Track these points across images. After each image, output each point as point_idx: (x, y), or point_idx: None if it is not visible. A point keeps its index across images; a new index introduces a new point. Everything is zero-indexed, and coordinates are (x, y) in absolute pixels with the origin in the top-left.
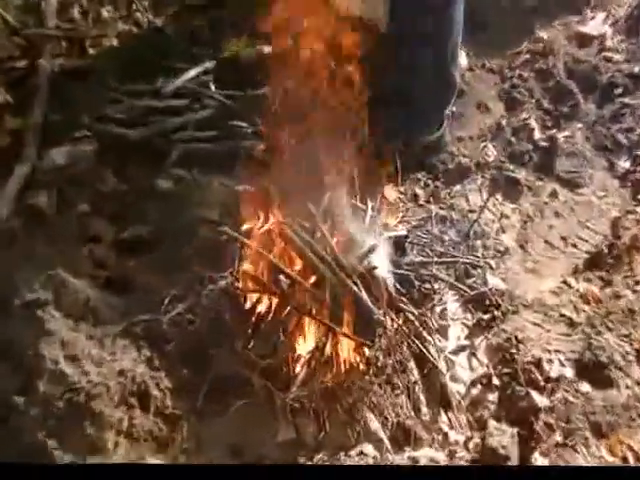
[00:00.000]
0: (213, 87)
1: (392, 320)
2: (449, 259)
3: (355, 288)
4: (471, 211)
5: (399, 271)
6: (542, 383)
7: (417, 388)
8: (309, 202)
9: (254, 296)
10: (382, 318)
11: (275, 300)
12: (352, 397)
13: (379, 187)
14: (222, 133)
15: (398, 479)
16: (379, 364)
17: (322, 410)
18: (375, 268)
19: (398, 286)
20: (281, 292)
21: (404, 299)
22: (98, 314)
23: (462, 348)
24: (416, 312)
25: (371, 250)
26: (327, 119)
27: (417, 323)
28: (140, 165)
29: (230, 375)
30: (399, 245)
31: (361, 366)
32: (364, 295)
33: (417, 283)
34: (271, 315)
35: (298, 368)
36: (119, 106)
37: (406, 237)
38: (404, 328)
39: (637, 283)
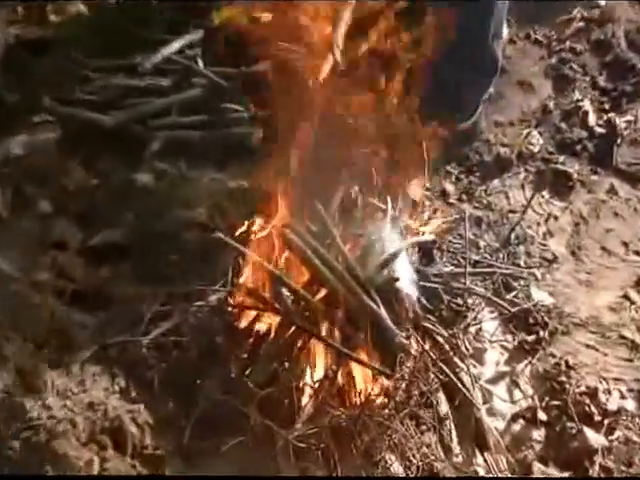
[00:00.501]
0: (201, 63)
1: (417, 343)
2: (485, 269)
3: (372, 304)
4: (512, 211)
5: (425, 283)
6: (598, 418)
7: (447, 424)
8: (318, 201)
9: (251, 313)
10: (405, 340)
11: (276, 318)
12: (369, 435)
13: (402, 183)
14: (212, 118)
15: None
16: (401, 396)
17: (332, 451)
18: (397, 280)
19: (424, 301)
20: (284, 309)
21: (431, 317)
22: (63, 335)
23: (501, 376)
24: (446, 333)
25: (392, 258)
26: (341, 103)
27: (447, 346)
28: (114, 156)
29: (222, 408)
30: (426, 252)
31: (379, 398)
32: (383, 313)
33: (447, 298)
34: (272, 336)
35: (304, 400)
36: (88, 85)
37: (434, 242)
38: (431, 352)
39: None
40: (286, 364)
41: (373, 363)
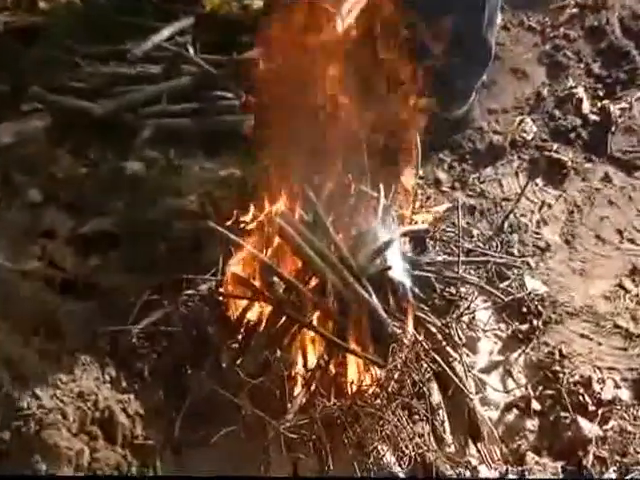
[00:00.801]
0: (191, 50)
1: (410, 332)
2: (479, 258)
3: (365, 293)
4: (506, 200)
5: (418, 272)
6: (592, 408)
7: (440, 414)
8: (309, 189)
9: (243, 303)
10: (397, 330)
11: (268, 308)
12: (361, 426)
13: (394, 171)
14: (203, 106)
15: None
16: (394, 386)
17: (324, 442)
18: (389, 269)
19: (417, 291)
20: (275, 298)
21: (424, 307)
22: (53, 325)
23: (495, 365)
24: (439, 322)
25: (384, 247)
26: (332, 89)
27: (440, 336)
28: (104, 145)
29: (213, 398)
30: (418, 241)
31: (372, 388)
32: (376, 302)
33: (440, 287)
34: (263, 326)
35: (296, 390)
36: (78, 73)
37: (427, 231)
38: (424, 342)
39: None
40: (278, 354)
41: (365, 353)
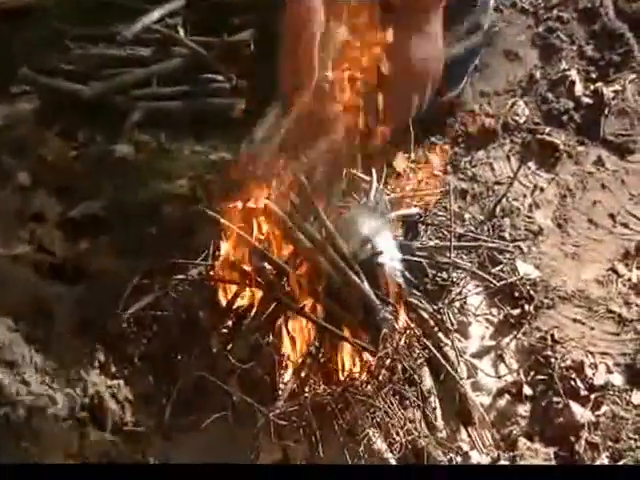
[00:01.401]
0: (182, 32)
1: (401, 318)
2: (470, 242)
3: (356, 279)
4: (497, 183)
5: (410, 257)
6: (585, 393)
7: (431, 399)
8: (299, 172)
9: (233, 288)
10: (389, 316)
11: (258, 293)
12: (351, 412)
13: (385, 154)
14: (194, 88)
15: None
16: (385, 372)
17: (315, 428)
18: (380, 254)
19: (408, 276)
20: (266, 283)
21: (416, 292)
22: (41, 309)
23: (486, 350)
24: (430, 308)
25: (376, 232)
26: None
27: (431, 321)
28: (93, 127)
29: (203, 384)
30: (410, 225)
31: (363, 375)
32: (367, 288)
33: (431, 272)
34: (253, 312)
35: (286, 377)
36: (67, 55)
37: (418, 216)
38: (415, 328)
39: None
40: (268, 339)
41: (357, 339)
